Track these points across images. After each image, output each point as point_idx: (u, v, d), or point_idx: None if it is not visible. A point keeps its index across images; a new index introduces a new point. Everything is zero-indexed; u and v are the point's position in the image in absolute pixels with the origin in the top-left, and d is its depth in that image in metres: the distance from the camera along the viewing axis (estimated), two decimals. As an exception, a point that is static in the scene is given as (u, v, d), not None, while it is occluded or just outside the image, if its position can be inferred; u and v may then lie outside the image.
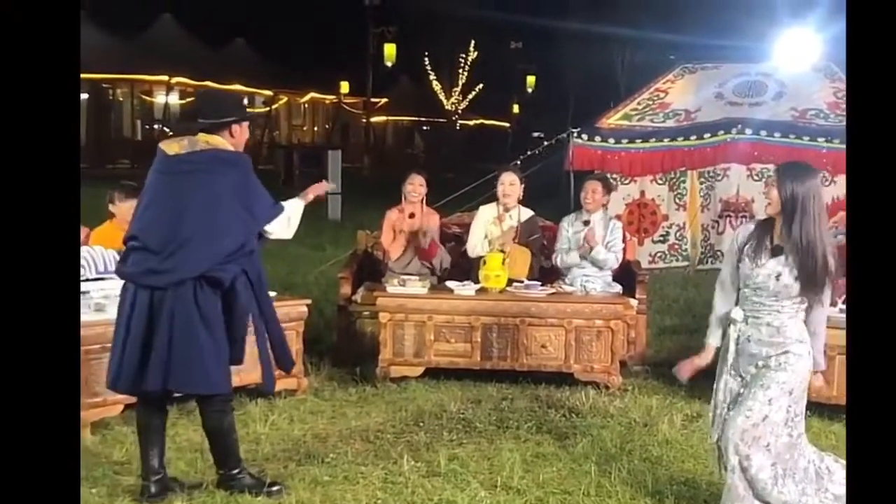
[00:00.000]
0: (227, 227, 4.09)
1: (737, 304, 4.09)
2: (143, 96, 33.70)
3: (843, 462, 4.14)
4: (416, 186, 7.27)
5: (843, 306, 5.96)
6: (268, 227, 4.28)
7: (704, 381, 5.73)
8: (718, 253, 10.46)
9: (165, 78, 30.95)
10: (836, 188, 10.42)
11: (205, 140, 4.20)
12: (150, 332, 4.03)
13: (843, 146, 10.32)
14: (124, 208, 6.05)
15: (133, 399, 4.42)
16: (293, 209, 4.39)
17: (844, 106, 10.77)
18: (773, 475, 3.93)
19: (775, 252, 3.92)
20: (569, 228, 7.12)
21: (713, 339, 4.17)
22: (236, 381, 4.57)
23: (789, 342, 3.93)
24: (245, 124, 4.37)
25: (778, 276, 3.89)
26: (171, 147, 4.21)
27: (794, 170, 3.97)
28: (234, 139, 4.29)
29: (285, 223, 4.34)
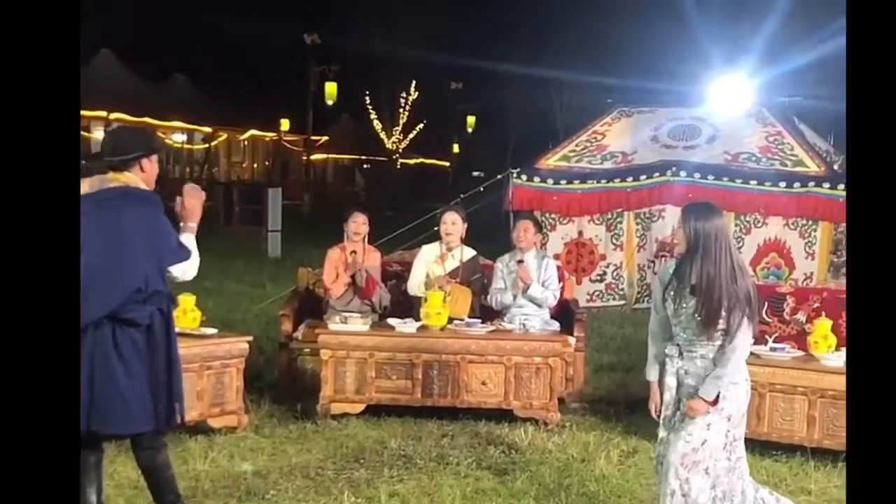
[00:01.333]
0: (130, 267, 4.03)
1: (671, 339, 4.22)
2: (82, 132, 33.30)
3: (778, 496, 4.29)
4: (358, 225, 7.33)
5: (774, 345, 6.16)
6: (173, 270, 4.18)
7: (640, 417, 5.87)
8: (654, 292, 10.65)
9: (104, 114, 30.65)
10: (766, 230, 10.74)
11: (114, 177, 4.16)
12: None
13: (773, 189, 10.70)
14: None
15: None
16: (190, 246, 4.26)
17: (775, 150, 11.14)
18: (713, 498, 4.04)
19: (693, 291, 4.04)
20: (504, 269, 7.23)
21: (651, 376, 4.30)
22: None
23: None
24: (154, 158, 4.30)
25: (697, 314, 4.02)
26: (81, 187, 4.21)
27: (698, 210, 4.14)
28: (144, 174, 4.23)
29: (190, 266, 4.23)
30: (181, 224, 4.33)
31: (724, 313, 3.98)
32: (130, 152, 4.21)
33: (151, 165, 4.28)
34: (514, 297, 7.07)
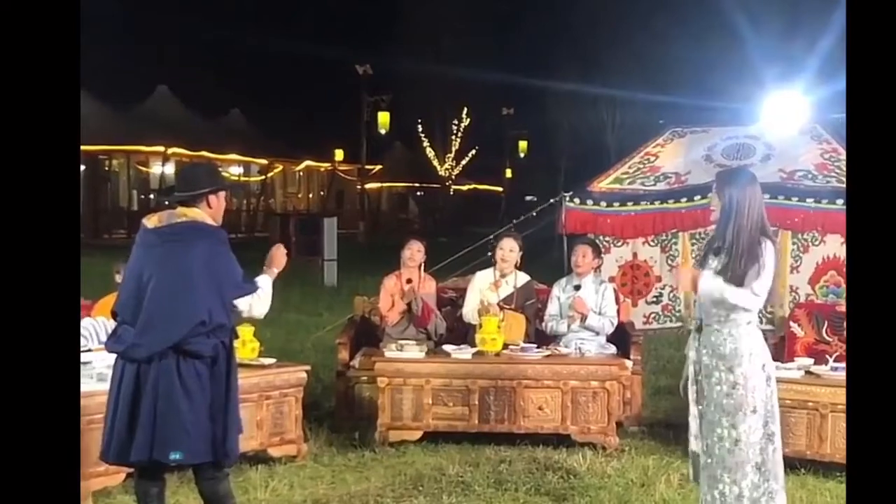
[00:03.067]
0: (194, 299, 4.12)
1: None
2: (140, 167, 33.97)
3: None
4: (413, 252, 7.38)
5: (835, 364, 6.06)
6: (239, 304, 4.27)
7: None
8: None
9: (161, 149, 31.25)
10: (825, 247, 10.56)
11: (182, 213, 4.28)
12: (136, 404, 4.10)
13: (831, 206, 10.53)
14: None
15: (135, 467, 4.47)
16: (263, 285, 4.38)
17: (831, 167, 10.96)
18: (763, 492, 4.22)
19: (718, 251, 4.28)
20: (560, 294, 7.22)
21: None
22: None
23: (737, 358, 4.21)
24: (222, 194, 4.41)
25: (721, 273, 4.21)
26: (151, 221, 4.30)
27: (732, 176, 4.44)
28: (211, 210, 4.34)
29: (257, 300, 4.32)
30: (265, 268, 4.51)
31: (744, 270, 4.16)
32: (200, 188, 4.33)
33: (219, 202, 4.40)
34: (569, 326, 7.06)
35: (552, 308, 7.19)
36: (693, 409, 4.37)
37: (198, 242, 4.20)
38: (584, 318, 7.01)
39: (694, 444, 4.37)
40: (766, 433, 4.22)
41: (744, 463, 4.19)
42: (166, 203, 4.45)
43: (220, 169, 35.45)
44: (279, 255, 4.59)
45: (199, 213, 4.30)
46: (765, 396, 4.24)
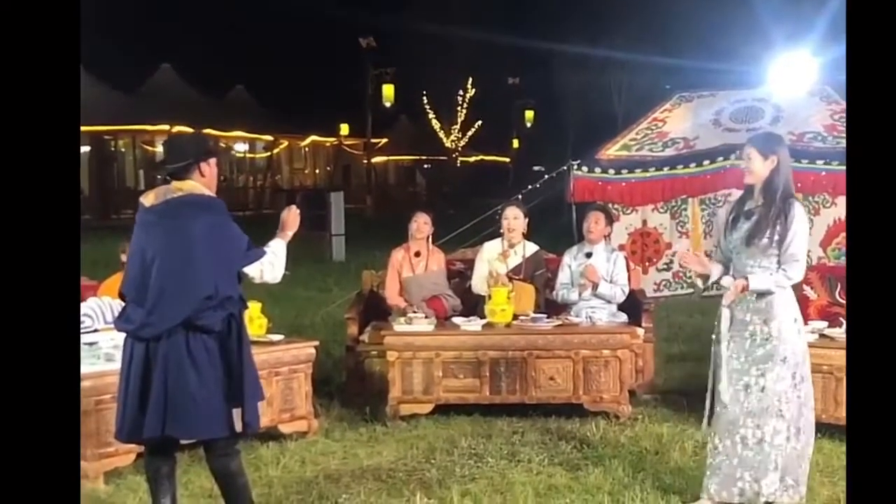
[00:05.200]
0: (199, 274, 4.07)
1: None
2: (145, 146, 33.94)
3: None
4: (420, 225, 7.32)
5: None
6: (249, 271, 4.24)
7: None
8: (723, 279, 10.45)
9: (167, 127, 31.17)
10: (836, 210, 10.46)
11: (177, 187, 4.20)
12: (147, 382, 4.07)
13: (842, 168, 10.39)
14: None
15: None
16: (275, 250, 4.35)
17: (841, 128, 10.83)
18: (787, 437, 4.44)
19: (748, 216, 4.51)
20: (571, 262, 7.15)
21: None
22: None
23: (773, 310, 4.43)
24: (212, 161, 4.33)
25: (747, 234, 4.44)
26: (147, 199, 4.24)
27: (774, 137, 4.79)
28: (204, 178, 4.27)
29: (269, 266, 4.29)
30: (278, 231, 4.46)
31: (769, 233, 4.39)
32: (187, 158, 4.25)
33: (210, 169, 4.31)
34: (580, 294, 7.00)
35: (563, 276, 7.13)
36: (722, 362, 4.52)
37: (197, 216, 4.14)
38: (595, 286, 6.95)
39: (724, 394, 4.51)
40: (793, 382, 4.44)
41: (768, 409, 4.40)
42: (159, 178, 4.38)
43: (225, 145, 35.58)
44: (291, 218, 4.53)
45: (193, 185, 4.22)
46: (794, 347, 4.45)
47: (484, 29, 34.81)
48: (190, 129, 30.43)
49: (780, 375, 4.42)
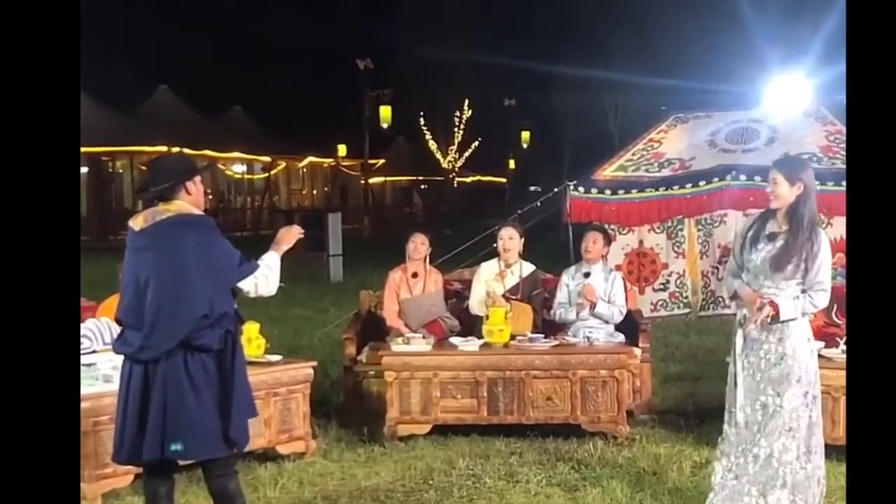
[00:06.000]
0: (194, 294, 4.08)
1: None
2: (143, 167, 33.97)
3: None
4: (418, 245, 7.33)
5: (846, 347, 6.00)
6: (243, 286, 4.23)
7: (711, 427, 5.77)
8: (719, 299, 10.48)
9: (164, 148, 31.19)
10: (832, 230, 10.49)
11: (165, 208, 4.21)
12: (145, 403, 4.08)
13: (837, 189, 10.45)
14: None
15: (144, 469, 4.44)
16: (269, 263, 4.35)
17: (836, 149, 10.89)
18: (797, 455, 4.49)
19: (770, 238, 4.49)
20: (569, 282, 7.17)
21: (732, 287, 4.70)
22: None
23: (787, 330, 4.47)
24: (197, 179, 4.31)
25: (772, 259, 4.43)
26: (136, 222, 4.24)
27: (801, 162, 4.88)
28: (191, 196, 4.26)
29: (263, 279, 4.29)
30: (272, 245, 4.48)
31: (795, 260, 4.40)
32: (172, 179, 4.25)
33: (196, 187, 4.30)
34: (578, 313, 7.02)
35: (561, 296, 7.15)
36: (739, 381, 4.57)
37: (186, 235, 4.14)
38: (593, 305, 6.97)
39: (739, 413, 4.57)
40: (805, 402, 4.49)
41: (780, 427, 4.47)
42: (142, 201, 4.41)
43: (224, 168, 35.63)
44: (289, 234, 4.56)
45: (181, 205, 4.23)
46: (808, 367, 4.51)
47: (480, 50, 34.97)
48: (188, 150, 30.55)
49: (794, 394, 4.47)
